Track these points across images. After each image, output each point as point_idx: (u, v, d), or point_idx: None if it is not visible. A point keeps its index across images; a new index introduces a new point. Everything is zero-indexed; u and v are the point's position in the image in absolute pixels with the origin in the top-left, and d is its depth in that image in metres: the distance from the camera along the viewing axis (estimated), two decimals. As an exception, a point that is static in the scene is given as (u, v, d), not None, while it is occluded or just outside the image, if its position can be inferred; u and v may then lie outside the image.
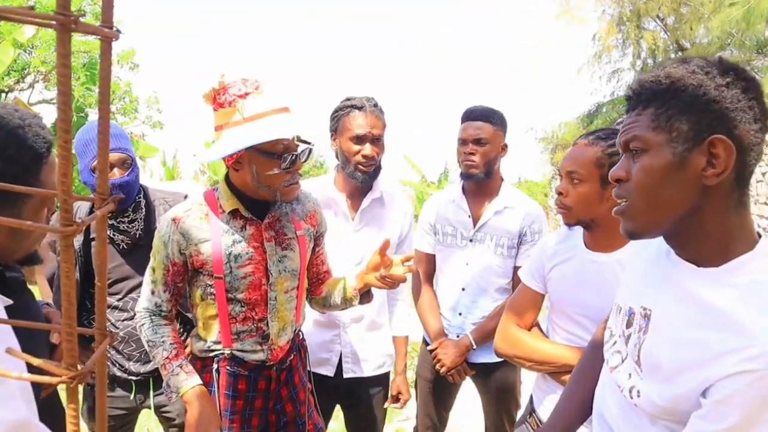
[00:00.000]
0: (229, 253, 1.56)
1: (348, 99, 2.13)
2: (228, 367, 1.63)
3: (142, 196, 2.05)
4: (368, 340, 2.21)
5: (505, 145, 2.29)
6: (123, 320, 2.04)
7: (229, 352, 1.62)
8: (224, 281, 1.56)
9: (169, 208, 2.10)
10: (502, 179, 2.35)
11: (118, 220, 1.98)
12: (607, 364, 1.15)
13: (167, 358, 1.55)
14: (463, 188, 2.37)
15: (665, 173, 0.94)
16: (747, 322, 0.88)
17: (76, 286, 2.13)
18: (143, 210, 2.03)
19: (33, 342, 1.05)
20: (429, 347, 2.36)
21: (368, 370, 2.20)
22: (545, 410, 1.60)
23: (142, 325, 1.61)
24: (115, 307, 2.02)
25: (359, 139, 2.06)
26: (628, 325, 1.09)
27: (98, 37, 0.39)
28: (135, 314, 2.03)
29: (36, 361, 0.41)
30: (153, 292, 1.60)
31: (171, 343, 1.57)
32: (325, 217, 1.84)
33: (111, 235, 2.00)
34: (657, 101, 0.94)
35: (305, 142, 1.57)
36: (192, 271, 1.60)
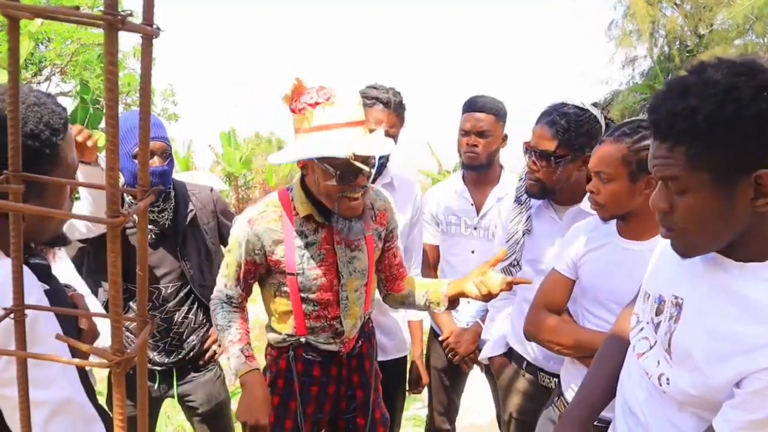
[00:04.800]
0: (302, 255, 1.60)
1: (370, 89, 2.13)
2: (303, 354, 1.70)
3: (171, 186, 2.07)
4: (381, 325, 2.22)
5: (506, 136, 2.33)
6: (148, 311, 2.06)
7: (304, 340, 1.69)
8: (296, 278, 1.61)
9: (196, 201, 2.13)
10: (502, 167, 2.40)
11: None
12: (633, 350, 1.15)
13: (231, 341, 1.63)
14: (463, 177, 2.40)
15: (713, 211, 0.91)
16: None
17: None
18: (172, 201, 2.05)
19: (64, 327, 1.07)
20: (440, 337, 2.38)
21: (383, 356, 2.21)
22: (573, 394, 1.60)
23: (214, 310, 1.70)
24: (140, 298, 2.05)
25: None
26: (658, 312, 1.09)
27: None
28: (160, 305, 2.06)
29: (84, 347, 0.43)
30: (225, 285, 1.68)
31: (237, 329, 1.65)
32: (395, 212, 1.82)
33: None
34: (690, 139, 0.89)
35: (381, 157, 1.54)
36: (266, 269, 1.66)
